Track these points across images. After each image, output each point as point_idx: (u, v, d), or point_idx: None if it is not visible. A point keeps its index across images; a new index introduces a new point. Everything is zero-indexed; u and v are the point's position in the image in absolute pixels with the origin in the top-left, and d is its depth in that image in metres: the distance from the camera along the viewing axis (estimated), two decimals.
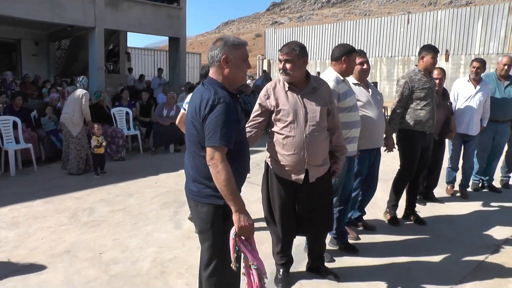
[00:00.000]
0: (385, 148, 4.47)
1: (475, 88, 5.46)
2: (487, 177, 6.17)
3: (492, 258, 3.90)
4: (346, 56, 3.58)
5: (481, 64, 5.46)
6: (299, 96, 3.02)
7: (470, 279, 3.47)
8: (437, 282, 3.43)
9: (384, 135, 4.36)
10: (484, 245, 4.19)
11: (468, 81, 5.55)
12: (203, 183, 2.35)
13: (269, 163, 3.20)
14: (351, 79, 3.97)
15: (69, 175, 6.90)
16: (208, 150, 2.24)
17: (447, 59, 19.09)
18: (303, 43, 3.30)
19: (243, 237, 2.30)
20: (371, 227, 4.54)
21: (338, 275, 3.46)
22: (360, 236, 4.30)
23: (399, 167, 4.72)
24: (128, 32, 17.74)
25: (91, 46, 12.07)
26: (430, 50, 4.48)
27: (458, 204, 5.48)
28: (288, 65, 2.98)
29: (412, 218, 4.82)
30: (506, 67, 5.66)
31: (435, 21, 19.58)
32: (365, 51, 4.16)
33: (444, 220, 4.90)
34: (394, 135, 4.59)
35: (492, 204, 5.48)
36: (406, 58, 20.16)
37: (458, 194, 5.82)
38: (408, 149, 4.59)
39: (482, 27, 18.25)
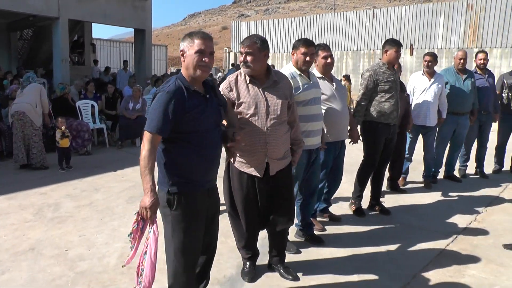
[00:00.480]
0: (350, 140, 4.56)
1: (430, 80, 5.64)
2: (448, 168, 6.39)
3: (453, 245, 4.05)
4: (293, 50, 3.72)
5: (432, 57, 5.66)
6: (261, 89, 3.03)
7: (432, 267, 3.59)
8: (401, 271, 3.53)
9: (349, 127, 4.45)
10: (445, 232, 4.34)
11: (422, 74, 5.74)
12: (159, 169, 2.48)
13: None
14: (316, 73, 4.03)
15: (33, 170, 6.70)
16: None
17: (411, 53, 19.53)
18: (269, 36, 3.33)
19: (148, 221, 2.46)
20: (337, 218, 4.62)
21: (298, 277, 3.38)
22: (326, 227, 4.37)
23: (362, 158, 4.83)
24: (93, 23, 17.35)
25: (55, 36, 11.73)
26: (393, 44, 4.60)
27: (421, 194, 5.65)
28: (249, 58, 2.98)
29: (377, 209, 4.93)
30: (462, 61, 5.91)
31: (400, 16, 19.99)
32: (331, 45, 4.25)
33: (408, 210, 5.05)
34: (358, 127, 4.69)
35: (453, 193, 5.68)
36: (371, 52, 20.46)
37: (421, 185, 5.99)
38: (372, 140, 4.70)
39: (444, 23, 18.76)
